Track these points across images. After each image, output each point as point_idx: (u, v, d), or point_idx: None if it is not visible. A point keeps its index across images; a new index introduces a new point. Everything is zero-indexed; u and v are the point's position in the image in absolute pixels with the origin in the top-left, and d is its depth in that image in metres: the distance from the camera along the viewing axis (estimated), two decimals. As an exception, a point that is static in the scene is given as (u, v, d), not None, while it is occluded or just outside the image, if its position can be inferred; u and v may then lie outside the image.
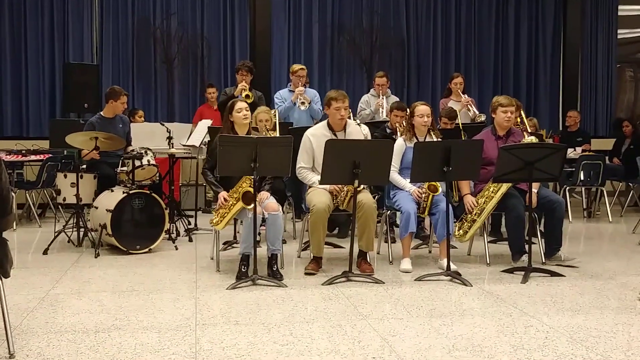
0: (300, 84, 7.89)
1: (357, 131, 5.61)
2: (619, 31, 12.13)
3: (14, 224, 7.56)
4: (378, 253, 6.18)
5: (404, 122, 6.31)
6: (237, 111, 5.46)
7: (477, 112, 8.09)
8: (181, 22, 10.65)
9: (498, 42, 11.68)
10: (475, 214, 5.73)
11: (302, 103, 7.80)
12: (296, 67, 8.03)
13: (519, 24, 11.72)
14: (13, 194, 3.71)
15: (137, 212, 6.24)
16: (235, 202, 5.23)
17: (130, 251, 6.18)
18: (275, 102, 8.11)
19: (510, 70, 11.71)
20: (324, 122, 5.73)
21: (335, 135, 5.56)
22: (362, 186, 5.34)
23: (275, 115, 6.46)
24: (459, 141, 6.28)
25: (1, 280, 3.51)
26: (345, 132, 5.61)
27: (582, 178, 8.61)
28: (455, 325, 4.09)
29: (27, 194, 8.13)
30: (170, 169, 7.43)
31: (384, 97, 8.15)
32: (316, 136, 5.58)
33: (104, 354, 3.54)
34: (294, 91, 7.92)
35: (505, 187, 5.59)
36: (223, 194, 5.34)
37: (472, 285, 5.05)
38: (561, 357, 3.52)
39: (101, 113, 7.04)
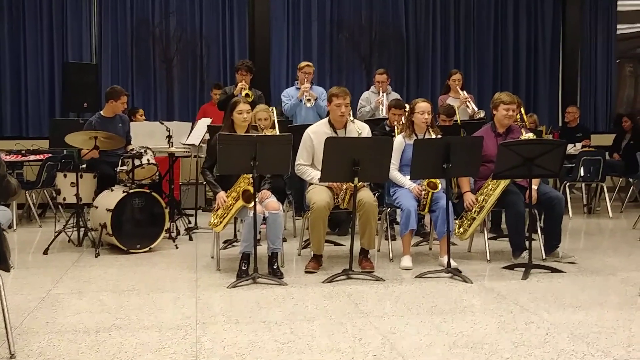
0: (306, 80, 7.89)
1: (361, 129, 5.57)
2: (619, 26, 12.11)
3: (15, 224, 7.57)
4: (378, 250, 6.18)
5: (402, 119, 6.31)
6: (238, 112, 5.45)
7: (475, 109, 8.07)
8: (180, 21, 10.64)
9: (497, 38, 11.66)
10: (474, 212, 5.73)
11: (308, 100, 7.79)
12: (303, 63, 8.05)
13: (518, 19, 11.70)
14: (13, 179, 3.79)
15: (137, 211, 6.23)
16: (233, 202, 5.23)
17: (131, 250, 6.18)
18: (282, 101, 8.12)
19: (510, 66, 11.69)
20: (325, 120, 5.73)
21: (335, 133, 5.55)
22: (360, 183, 5.33)
23: (274, 113, 6.46)
24: (458, 138, 6.28)
25: (1, 279, 3.51)
26: (345, 130, 5.60)
27: (582, 174, 8.60)
28: (456, 322, 4.09)
29: (27, 194, 8.12)
30: (170, 167, 7.43)
31: (384, 94, 8.14)
32: (317, 133, 5.58)
33: (104, 354, 3.54)
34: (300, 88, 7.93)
35: (503, 184, 5.58)
36: (222, 194, 5.34)
37: (472, 282, 5.05)
38: (562, 354, 3.52)
39: (101, 112, 7.04)
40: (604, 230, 7.90)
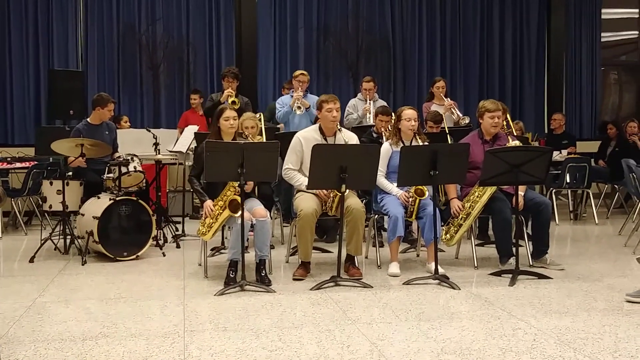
0: (300, 88, 7.92)
1: (348, 138, 5.57)
2: (603, 34, 12.25)
3: (0, 232, 7.51)
4: (366, 257, 6.19)
5: (389, 126, 6.32)
6: (225, 119, 5.45)
7: (460, 115, 8.14)
8: (166, 27, 10.64)
9: (483, 46, 11.75)
10: (461, 219, 5.75)
11: (299, 108, 7.81)
12: (297, 72, 8.14)
13: (504, 26, 11.80)
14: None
15: (124, 218, 6.21)
16: (221, 210, 5.22)
17: (118, 258, 6.14)
18: (276, 108, 8.15)
19: (496, 73, 11.78)
20: (316, 126, 5.71)
21: (325, 139, 5.55)
22: (347, 190, 5.33)
23: (261, 120, 6.45)
24: (445, 145, 6.30)
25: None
26: (335, 138, 5.59)
27: (568, 180, 8.64)
28: (443, 328, 4.09)
29: (12, 202, 8.06)
30: (157, 175, 7.40)
31: (371, 101, 8.17)
32: (307, 139, 5.56)
33: (91, 362, 3.52)
34: None
35: (489, 191, 5.61)
36: (208, 203, 5.33)
37: (460, 289, 5.06)
38: (549, 359, 3.53)
39: (87, 120, 7.02)
40: (590, 237, 7.95)
